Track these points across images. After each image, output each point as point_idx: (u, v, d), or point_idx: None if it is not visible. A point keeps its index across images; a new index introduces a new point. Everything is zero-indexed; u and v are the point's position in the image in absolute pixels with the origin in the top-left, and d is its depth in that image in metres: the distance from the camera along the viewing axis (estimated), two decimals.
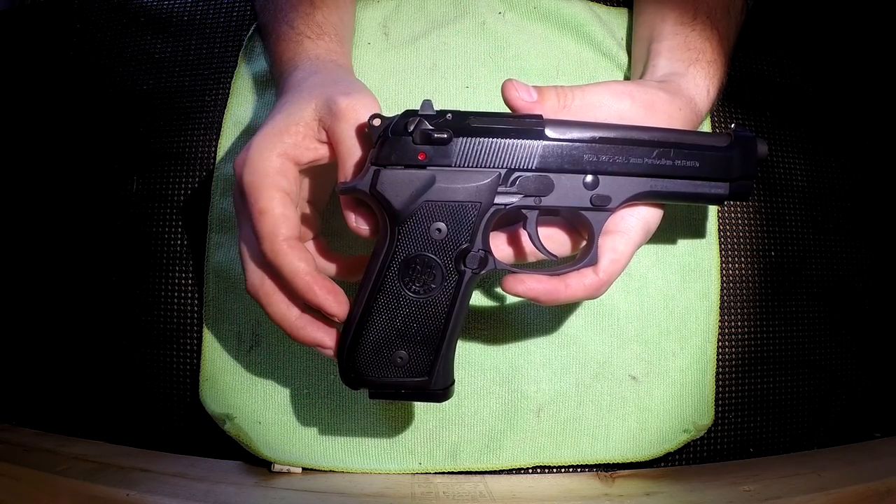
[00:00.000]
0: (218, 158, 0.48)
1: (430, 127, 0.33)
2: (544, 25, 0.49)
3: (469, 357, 0.44)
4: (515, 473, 0.44)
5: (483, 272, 0.35)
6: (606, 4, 0.51)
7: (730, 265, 0.48)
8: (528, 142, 0.34)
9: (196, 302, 0.47)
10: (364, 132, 0.34)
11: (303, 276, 0.33)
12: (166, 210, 0.49)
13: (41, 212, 0.50)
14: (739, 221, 0.48)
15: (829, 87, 0.52)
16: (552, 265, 0.37)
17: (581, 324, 0.45)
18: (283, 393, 0.45)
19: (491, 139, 0.34)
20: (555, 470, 0.45)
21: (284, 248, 0.33)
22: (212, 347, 0.45)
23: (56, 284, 0.49)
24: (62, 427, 0.48)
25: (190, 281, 0.47)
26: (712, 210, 0.47)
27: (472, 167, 0.34)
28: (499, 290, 0.45)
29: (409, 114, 0.34)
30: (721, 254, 0.47)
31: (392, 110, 0.48)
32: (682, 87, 0.39)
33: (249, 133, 0.48)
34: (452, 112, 0.34)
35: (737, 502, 0.36)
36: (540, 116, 0.35)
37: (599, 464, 0.45)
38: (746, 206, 0.49)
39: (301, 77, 0.38)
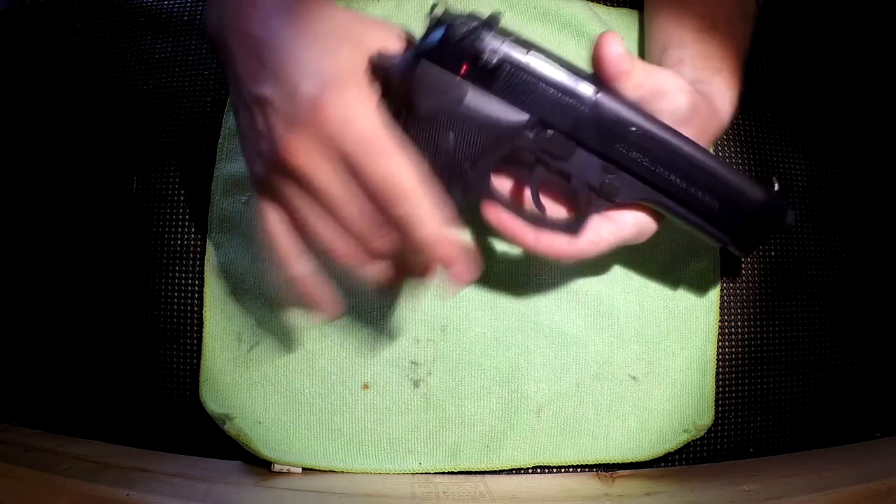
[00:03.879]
0: (218, 158, 0.48)
1: (487, 48, 0.30)
2: (544, 25, 0.49)
3: (469, 357, 0.44)
4: (515, 473, 0.44)
5: (469, 201, 0.34)
6: (606, 4, 0.51)
7: (730, 265, 0.48)
8: (571, 102, 0.32)
9: (196, 302, 0.47)
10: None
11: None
12: (166, 210, 0.49)
13: (41, 212, 0.50)
14: None
15: (829, 87, 0.52)
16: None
17: (581, 324, 0.45)
18: (283, 393, 0.45)
19: (538, 82, 0.31)
20: (555, 470, 0.45)
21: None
22: (212, 347, 0.45)
23: (56, 284, 0.49)
24: (62, 427, 0.48)
25: (190, 281, 0.47)
26: None
27: (507, 100, 0.32)
28: (498, 291, 0.45)
29: (473, 18, 0.31)
30: (721, 254, 0.47)
31: None
32: (711, 96, 0.38)
33: None
34: (517, 37, 0.31)
35: (737, 502, 0.36)
36: (598, 81, 0.32)
37: (599, 464, 0.45)
38: None
39: None
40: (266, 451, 0.43)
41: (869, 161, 0.51)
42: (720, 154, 0.49)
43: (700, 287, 0.46)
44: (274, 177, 0.31)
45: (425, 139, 0.32)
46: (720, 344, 0.47)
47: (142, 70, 0.51)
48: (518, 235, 0.34)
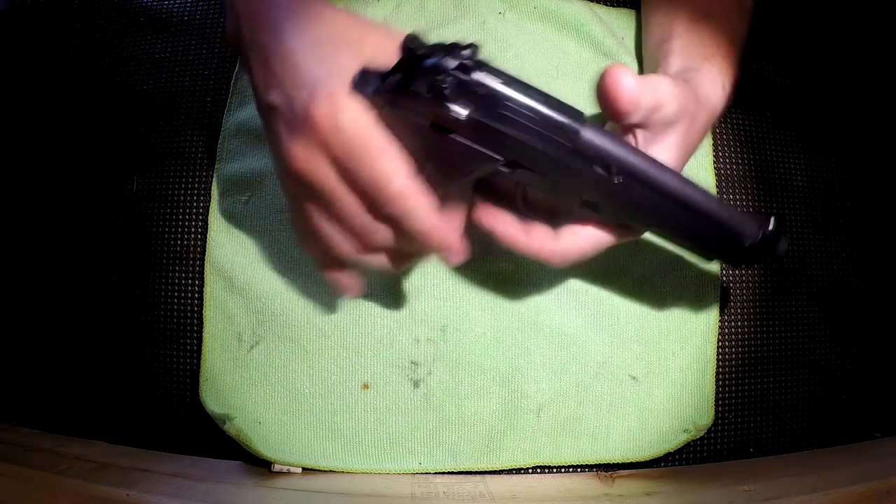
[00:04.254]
0: (218, 158, 0.48)
1: (449, 98, 0.27)
2: (544, 25, 0.49)
3: (469, 357, 0.44)
4: (515, 473, 0.44)
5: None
6: (606, 4, 0.51)
7: (730, 265, 0.48)
8: (549, 149, 0.29)
9: (196, 302, 0.47)
10: None
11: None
12: (166, 210, 0.48)
13: (41, 212, 0.50)
14: None
15: (829, 87, 0.52)
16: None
17: (581, 324, 0.45)
18: (283, 393, 0.45)
19: (509, 129, 0.28)
20: (555, 470, 0.45)
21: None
22: (212, 347, 0.45)
23: (56, 284, 0.49)
24: (62, 427, 0.48)
25: (190, 281, 0.47)
26: None
27: (474, 144, 0.29)
28: (498, 291, 0.45)
29: (438, 56, 0.27)
30: None
31: None
32: (698, 82, 0.37)
33: (249, 133, 0.48)
34: (485, 87, 0.28)
35: (737, 502, 0.36)
36: (580, 118, 0.29)
37: (599, 464, 0.45)
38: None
39: None
40: (266, 451, 0.43)
41: (869, 161, 0.51)
42: (719, 153, 0.49)
43: (700, 287, 0.46)
44: (286, 179, 0.34)
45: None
46: (720, 344, 0.46)
47: (142, 70, 0.51)
48: (511, 237, 0.35)
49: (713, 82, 0.38)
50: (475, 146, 0.29)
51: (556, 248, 0.35)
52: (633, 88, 0.31)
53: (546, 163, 0.30)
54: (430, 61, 0.27)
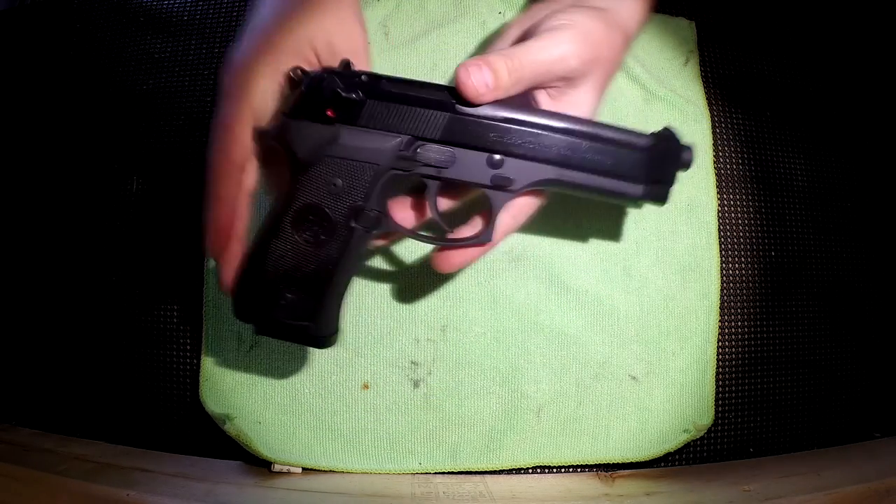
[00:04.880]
0: None
1: (342, 86, 0.33)
2: None
3: (469, 357, 0.44)
4: (515, 473, 0.44)
5: (375, 232, 0.36)
6: None
7: (730, 265, 0.48)
8: (435, 112, 0.34)
9: (196, 302, 0.47)
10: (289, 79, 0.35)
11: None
12: (166, 210, 0.49)
13: (41, 212, 0.50)
14: (739, 221, 0.48)
15: (829, 87, 0.52)
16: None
17: (581, 324, 0.45)
18: (283, 393, 0.45)
19: (398, 105, 0.34)
20: (555, 470, 0.45)
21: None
22: (212, 347, 0.45)
23: (56, 284, 0.49)
24: (62, 427, 0.48)
25: (190, 281, 0.47)
26: (712, 210, 0.47)
27: (376, 129, 0.34)
28: (498, 291, 0.45)
29: (325, 70, 0.34)
30: (721, 254, 0.47)
31: None
32: (615, 10, 0.36)
33: None
34: (367, 74, 0.34)
35: (737, 502, 0.36)
36: (451, 89, 0.34)
37: (599, 464, 0.45)
38: (746, 206, 0.49)
39: None
40: (266, 451, 0.43)
41: (869, 161, 0.51)
42: (719, 153, 0.49)
43: (700, 287, 0.46)
44: None
45: (317, 189, 0.34)
46: (720, 344, 0.46)
47: (142, 70, 0.51)
48: (463, 265, 0.37)
49: (627, 5, 0.37)
50: (377, 130, 0.34)
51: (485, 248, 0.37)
52: (477, 82, 0.33)
53: (438, 128, 0.34)
54: (316, 74, 0.34)
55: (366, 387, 0.44)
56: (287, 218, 0.34)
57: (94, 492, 0.36)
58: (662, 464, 0.46)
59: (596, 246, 0.46)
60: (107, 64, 0.52)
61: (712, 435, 0.46)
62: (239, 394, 0.45)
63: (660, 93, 0.47)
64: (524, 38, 0.37)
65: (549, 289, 0.45)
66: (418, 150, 0.34)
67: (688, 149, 0.35)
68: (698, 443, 0.46)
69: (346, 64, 0.35)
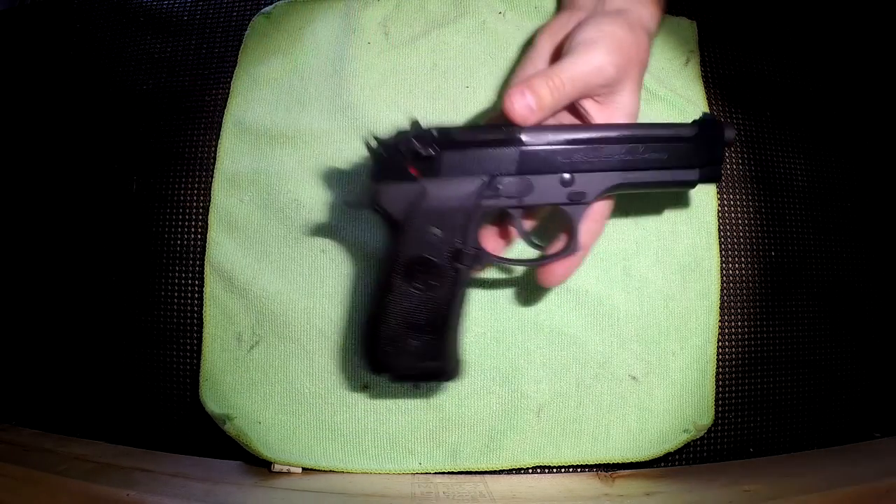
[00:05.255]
0: (218, 158, 0.48)
1: (418, 145, 0.36)
2: None
3: (469, 357, 0.44)
4: (515, 473, 0.44)
5: (477, 266, 0.39)
6: None
7: (730, 265, 0.48)
8: (506, 149, 0.37)
9: (196, 302, 0.47)
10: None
11: None
12: (166, 210, 0.49)
13: (41, 212, 0.50)
14: (739, 221, 0.48)
15: (829, 87, 0.52)
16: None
17: (581, 324, 0.45)
18: (283, 393, 0.45)
19: (473, 150, 0.37)
20: (555, 470, 0.45)
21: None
22: (212, 347, 0.45)
23: (56, 284, 0.49)
24: (62, 427, 0.48)
25: (190, 281, 0.47)
26: (712, 210, 0.47)
27: (457, 176, 0.37)
28: (498, 291, 0.45)
29: (400, 135, 0.37)
30: (721, 254, 0.47)
31: (392, 109, 0.48)
32: (635, 12, 0.39)
33: (249, 133, 0.48)
34: (437, 129, 0.37)
35: (737, 502, 0.36)
36: (516, 125, 0.37)
37: (599, 464, 0.45)
38: (746, 206, 0.49)
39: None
40: (266, 451, 0.43)
41: (869, 161, 0.51)
42: None
43: (700, 287, 0.46)
44: None
45: (418, 242, 0.37)
46: (720, 344, 0.46)
47: (142, 70, 0.51)
48: (567, 275, 0.40)
49: (645, 6, 0.40)
50: (457, 177, 0.37)
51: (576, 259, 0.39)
52: (522, 106, 0.36)
53: (511, 164, 0.37)
54: (390, 138, 0.37)
55: (366, 387, 0.44)
56: (397, 274, 0.37)
57: (94, 492, 0.36)
58: (662, 464, 0.46)
59: (596, 246, 0.46)
60: (107, 64, 0.52)
61: (712, 435, 0.46)
62: (239, 394, 0.45)
63: (660, 93, 0.47)
64: (557, 50, 0.40)
65: (549, 289, 0.45)
66: (499, 186, 0.37)
67: (730, 127, 0.38)
68: (698, 443, 0.46)
69: (415, 123, 0.37)
